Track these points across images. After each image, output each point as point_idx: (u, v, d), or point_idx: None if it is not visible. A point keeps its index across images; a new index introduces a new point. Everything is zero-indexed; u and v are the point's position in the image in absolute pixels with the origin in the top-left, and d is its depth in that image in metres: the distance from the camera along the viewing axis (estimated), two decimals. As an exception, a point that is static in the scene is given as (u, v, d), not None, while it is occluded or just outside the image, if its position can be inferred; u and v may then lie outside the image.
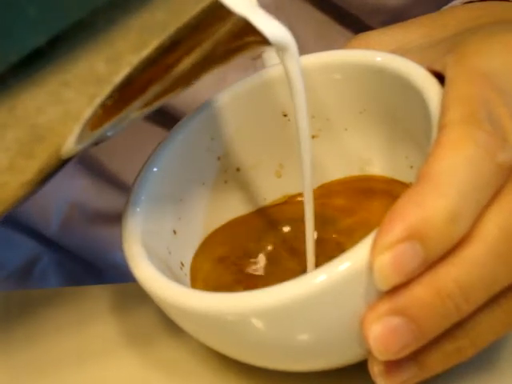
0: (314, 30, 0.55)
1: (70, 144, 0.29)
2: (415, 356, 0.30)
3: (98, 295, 0.41)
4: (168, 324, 0.37)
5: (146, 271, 0.32)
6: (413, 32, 0.38)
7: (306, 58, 0.38)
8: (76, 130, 0.28)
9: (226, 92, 0.39)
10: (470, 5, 0.40)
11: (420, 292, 0.28)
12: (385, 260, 0.27)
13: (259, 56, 0.54)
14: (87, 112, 0.28)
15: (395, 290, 0.28)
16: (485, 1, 0.40)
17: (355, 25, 0.55)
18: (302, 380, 0.34)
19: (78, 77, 0.27)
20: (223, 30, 0.29)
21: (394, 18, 0.54)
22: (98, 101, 0.28)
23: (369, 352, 0.30)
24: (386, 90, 0.36)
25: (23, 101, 0.26)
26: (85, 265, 0.57)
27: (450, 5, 0.42)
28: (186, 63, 0.29)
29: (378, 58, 0.35)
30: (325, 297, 0.29)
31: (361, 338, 0.30)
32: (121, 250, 0.34)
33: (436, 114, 0.31)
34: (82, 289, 0.43)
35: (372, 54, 0.36)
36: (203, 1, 0.27)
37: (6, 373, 0.39)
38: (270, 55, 0.41)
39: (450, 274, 0.28)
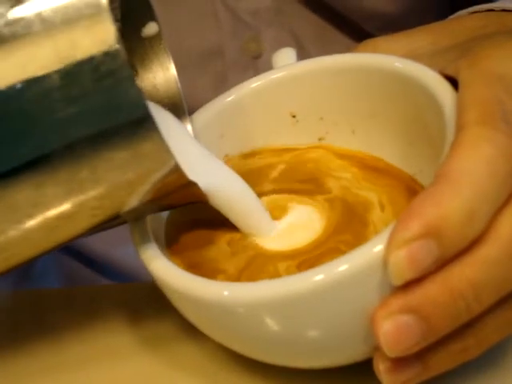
0: (313, 32, 0.56)
1: None
2: (420, 355, 0.30)
3: (108, 294, 0.42)
4: (178, 321, 0.37)
5: (157, 262, 0.32)
6: (421, 39, 0.39)
7: (317, 60, 0.39)
8: None
9: (236, 90, 0.39)
10: (476, 14, 0.41)
11: (433, 291, 0.29)
12: (400, 255, 0.28)
13: (260, 56, 0.55)
14: None
15: (408, 287, 0.29)
16: (490, 11, 0.41)
17: (352, 29, 0.56)
18: (305, 379, 0.35)
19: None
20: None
21: (390, 24, 0.55)
22: None
23: (374, 349, 0.31)
24: (397, 93, 0.36)
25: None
26: (85, 261, 0.57)
27: (456, 14, 0.42)
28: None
29: (392, 62, 0.36)
30: (335, 290, 0.29)
31: (367, 335, 0.30)
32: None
33: (450, 116, 0.31)
34: (90, 288, 0.43)
35: (385, 58, 0.36)
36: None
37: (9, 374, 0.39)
38: (279, 57, 0.41)
39: (464, 273, 0.29)
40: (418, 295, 0.29)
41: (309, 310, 0.30)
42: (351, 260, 0.29)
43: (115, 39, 0.27)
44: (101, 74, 0.28)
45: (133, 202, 0.31)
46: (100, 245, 0.55)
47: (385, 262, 0.28)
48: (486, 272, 0.29)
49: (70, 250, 0.56)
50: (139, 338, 0.39)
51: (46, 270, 0.57)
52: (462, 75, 0.32)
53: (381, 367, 0.31)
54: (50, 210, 0.30)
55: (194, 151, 0.35)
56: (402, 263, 0.28)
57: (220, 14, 0.55)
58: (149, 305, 0.40)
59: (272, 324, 0.31)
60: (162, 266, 0.32)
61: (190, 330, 0.34)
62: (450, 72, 0.34)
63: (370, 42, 0.40)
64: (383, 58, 0.36)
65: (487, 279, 0.29)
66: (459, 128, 0.30)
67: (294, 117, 0.40)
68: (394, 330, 0.29)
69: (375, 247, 0.29)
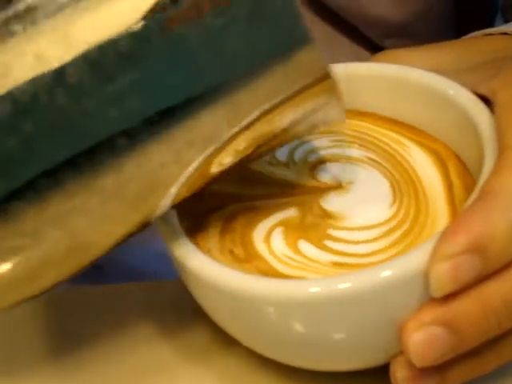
0: (318, 34, 0.56)
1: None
2: (440, 366, 0.31)
3: (129, 294, 0.42)
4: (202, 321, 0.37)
5: (194, 257, 0.32)
6: (445, 54, 0.39)
7: (338, 67, 0.39)
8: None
9: None
10: (493, 36, 0.41)
11: (467, 306, 0.29)
12: (443, 268, 0.28)
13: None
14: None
15: (442, 300, 0.29)
16: (504, 34, 0.41)
17: (358, 34, 0.56)
18: (324, 381, 0.35)
19: (200, 136, 0.28)
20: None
21: (395, 33, 0.56)
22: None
23: (393, 357, 0.31)
24: (426, 107, 0.37)
25: (150, 156, 0.28)
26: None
27: (470, 35, 0.43)
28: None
29: (430, 77, 0.36)
30: (373, 296, 0.29)
31: (390, 343, 0.30)
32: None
33: (488, 136, 0.32)
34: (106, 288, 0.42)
35: (417, 71, 0.37)
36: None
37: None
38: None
39: (499, 290, 0.29)
40: (452, 309, 0.29)
41: (336, 315, 0.30)
42: (391, 268, 0.29)
43: None
44: None
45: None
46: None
47: (426, 273, 0.29)
48: None
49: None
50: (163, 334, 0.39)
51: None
52: (498, 96, 0.33)
53: (398, 375, 0.31)
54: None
55: None
56: (445, 276, 0.28)
57: None
58: (173, 306, 0.39)
59: (297, 324, 0.31)
60: (200, 262, 0.32)
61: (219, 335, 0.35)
62: (483, 91, 0.34)
63: (390, 53, 0.40)
64: (416, 72, 0.37)
65: None
66: (502, 149, 0.31)
67: None
68: (426, 341, 0.29)
69: (418, 255, 0.29)
